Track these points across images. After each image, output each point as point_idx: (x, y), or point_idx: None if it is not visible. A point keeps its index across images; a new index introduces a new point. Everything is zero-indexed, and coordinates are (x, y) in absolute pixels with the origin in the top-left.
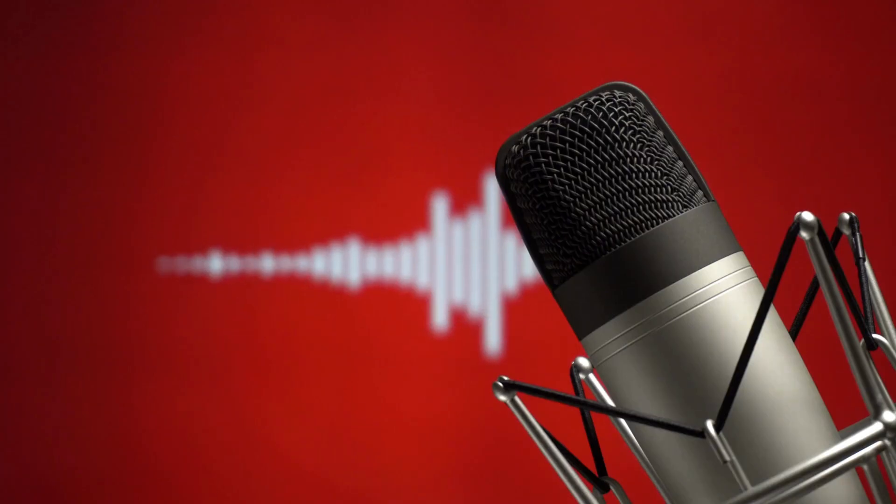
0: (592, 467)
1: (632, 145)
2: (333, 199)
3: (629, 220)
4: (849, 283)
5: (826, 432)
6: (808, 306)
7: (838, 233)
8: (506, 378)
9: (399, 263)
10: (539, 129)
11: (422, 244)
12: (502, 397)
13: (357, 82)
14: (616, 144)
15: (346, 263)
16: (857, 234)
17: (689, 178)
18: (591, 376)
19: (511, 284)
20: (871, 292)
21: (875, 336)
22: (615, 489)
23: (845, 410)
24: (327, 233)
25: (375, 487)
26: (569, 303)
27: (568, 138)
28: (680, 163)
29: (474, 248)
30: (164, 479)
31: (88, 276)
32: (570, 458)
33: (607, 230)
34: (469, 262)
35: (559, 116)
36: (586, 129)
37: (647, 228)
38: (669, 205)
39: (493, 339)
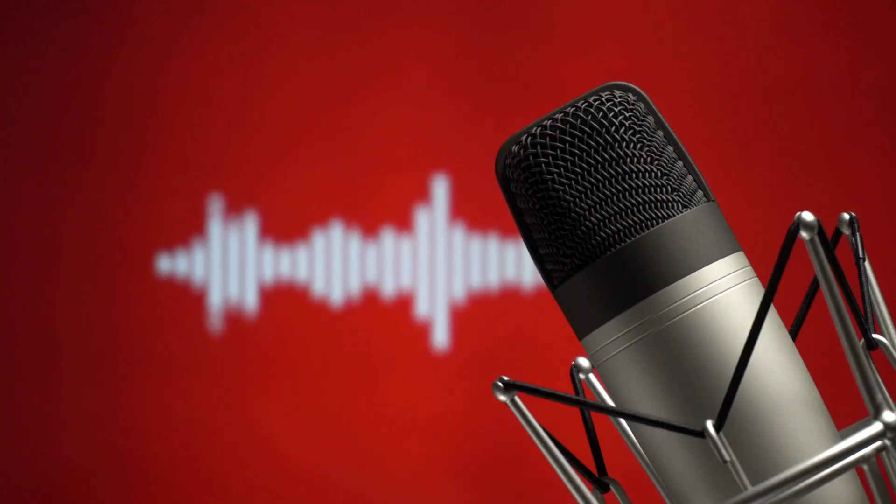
0: (592, 467)
1: (632, 145)
2: (333, 199)
3: (629, 220)
4: (849, 283)
5: (826, 432)
6: (808, 306)
7: (838, 233)
8: (506, 378)
9: (399, 263)
10: (539, 129)
11: (422, 244)
12: (502, 397)
13: (357, 82)
14: (616, 144)
15: (345, 263)
16: (857, 234)
17: (689, 178)
18: (591, 376)
19: (511, 284)
20: (871, 292)
21: (875, 336)
22: (615, 489)
23: (845, 410)
24: (327, 233)
25: (375, 487)
26: (569, 303)
27: (568, 138)
28: (680, 163)
29: (474, 247)
30: (165, 479)
31: (88, 276)
32: (570, 458)
33: (607, 230)
34: (469, 262)
35: (559, 116)
36: (586, 129)
37: (647, 228)
38: (669, 205)
39: (493, 339)
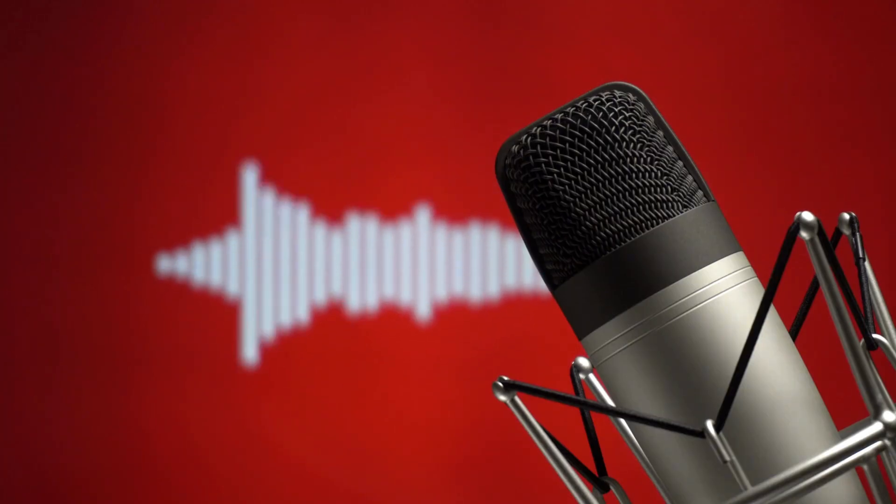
0: (592, 467)
1: (632, 145)
2: (333, 199)
3: (629, 220)
4: (849, 283)
5: (826, 432)
6: (808, 306)
7: (838, 233)
8: (506, 378)
9: (399, 264)
10: (539, 129)
11: (422, 244)
12: (502, 397)
13: (357, 82)
14: (616, 144)
15: (345, 262)
16: (857, 234)
17: (689, 178)
18: (591, 376)
19: (511, 284)
20: (871, 292)
21: (875, 336)
22: (615, 489)
23: (845, 410)
24: (326, 233)
25: (375, 487)
26: (569, 303)
27: (568, 138)
28: (680, 163)
29: (474, 247)
30: (165, 479)
31: (88, 276)
32: (570, 458)
33: (607, 230)
34: (468, 262)
35: (559, 116)
36: (586, 129)
37: (647, 228)
38: (669, 205)
39: (493, 339)
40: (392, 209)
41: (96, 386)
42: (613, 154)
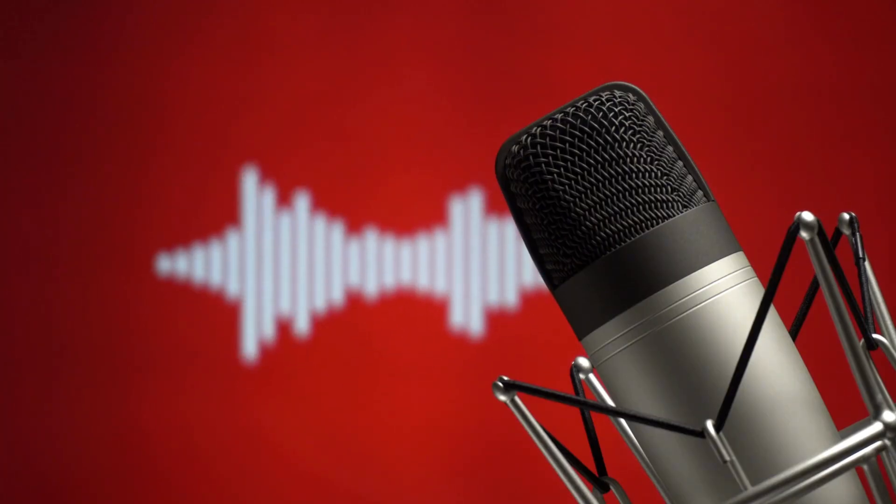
0: (592, 467)
1: (632, 145)
2: (333, 199)
3: (629, 220)
4: (849, 283)
5: (826, 432)
6: (808, 306)
7: (838, 233)
8: (506, 378)
9: (399, 263)
10: (539, 129)
11: (422, 244)
12: (502, 397)
13: (357, 82)
14: (616, 144)
15: (345, 262)
16: (857, 234)
17: (689, 178)
18: (591, 376)
19: (510, 284)
20: (871, 292)
21: (875, 336)
22: (615, 489)
23: (845, 410)
24: (326, 233)
25: (375, 487)
26: (569, 303)
27: (568, 138)
28: (680, 163)
29: (473, 247)
30: (165, 479)
31: (88, 276)
32: (570, 458)
33: (607, 230)
34: (469, 262)
35: (559, 116)
36: (586, 129)
37: (647, 228)
38: (669, 205)
39: (493, 339)
40: (392, 209)
41: (96, 386)
42: (613, 154)
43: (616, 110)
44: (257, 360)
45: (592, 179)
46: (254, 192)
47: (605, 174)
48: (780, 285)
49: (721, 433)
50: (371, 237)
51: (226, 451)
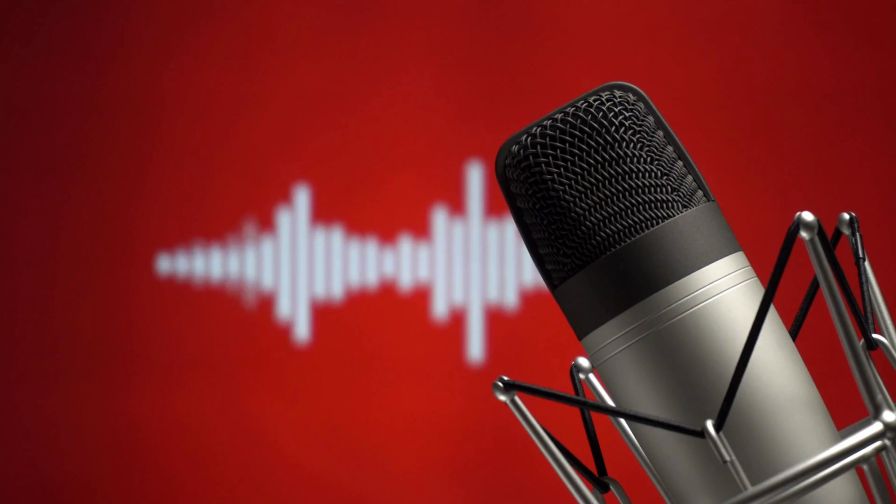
0: (592, 467)
1: (632, 145)
2: (333, 199)
3: (629, 220)
4: (849, 283)
5: (826, 432)
6: (808, 306)
7: (838, 233)
8: (506, 378)
9: (399, 264)
10: (539, 129)
11: (422, 245)
12: (502, 397)
13: (357, 83)
14: (616, 144)
15: (346, 262)
16: (857, 234)
17: (689, 177)
18: (591, 376)
19: (510, 285)
20: (871, 292)
21: (875, 336)
22: (615, 489)
23: (845, 410)
24: (327, 232)
25: (375, 487)
26: (569, 303)
27: (568, 138)
28: (680, 163)
29: (473, 248)
30: (165, 479)
31: (89, 276)
32: (570, 458)
33: (607, 230)
34: (469, 263)
35: (559, 116)
36: (586, 128)
37: (647, 228)
38: (669, 205)
39: (492, 339)
40: (392, 209)
41: (96, 385)
42: (613, 154)
43: (616, 110)
44: (257, 359)
45: (592, 179)
46: (253, 191)
47: (605, 174)
48: (780, 285)
49: (721, 433)
50: (371, 238)
51: (226, 450)
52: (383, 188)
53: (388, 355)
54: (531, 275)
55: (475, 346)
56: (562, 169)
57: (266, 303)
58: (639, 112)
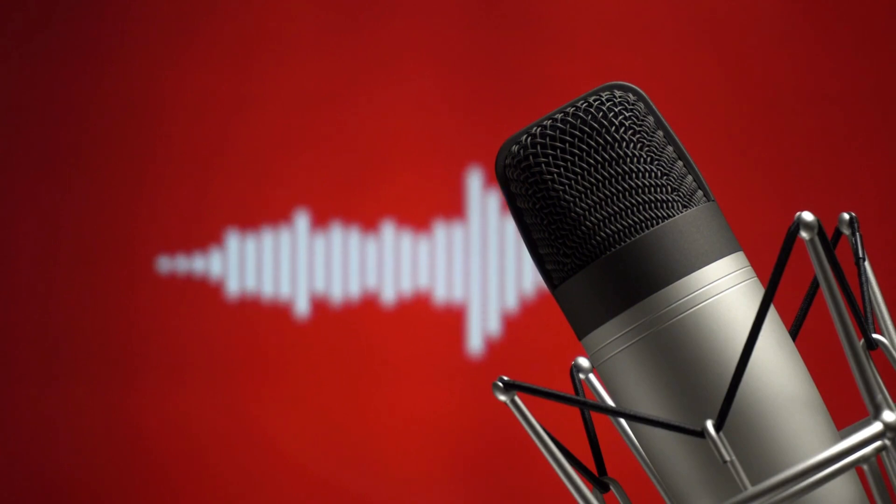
0: (592, 467)
1: (632, 145)
2: (333, 199)
3: (629, 220)
4: (849, 283)
5: (826, 432)
6: (808, 306)
7: (838, 233)
8: (506, 378)
9: (399, 264)
10: (539, 129)
11: (422, 244)
12: (502, 397)
13: (357, 82)
14: (616, 144)
15: (345, 263)
16: (857, 234)
17: (689, 177)
18: (591, 376)
19: (510, 285)
20: (871, 292)
21: (875, 336)
22: (615, 489)
23: (845, 410)
24: (327, 232)
25: (375, 487)
26: (568, 303)
27: (568, 138)
28: (680, 163)
29: (473, 248)
30: (165, 479)
31: (89, 276)
32: (570, 458)
33: (607, 230)
34: (469, 263)
35: (559, 116)
36: (586, 128)
37: (647, 228)
38: (669, 205)
39: (492, 339)
40: (392, 209)
41: (96, 385)
42: (613, 154)
43: (616, 110)
44: (257, 359)
45: (592, 179)
46: (254, 191)
47: (605, 174)
48: (780, 285)
49: (721, 433)
50: (371, 238)
51: (226, 450)
52: (383, 188)
53: (389, 355)
54: (531, 276)
55: (475, 347)
56: (562, 169)
57: (266, 303)
58: (639, 112)
